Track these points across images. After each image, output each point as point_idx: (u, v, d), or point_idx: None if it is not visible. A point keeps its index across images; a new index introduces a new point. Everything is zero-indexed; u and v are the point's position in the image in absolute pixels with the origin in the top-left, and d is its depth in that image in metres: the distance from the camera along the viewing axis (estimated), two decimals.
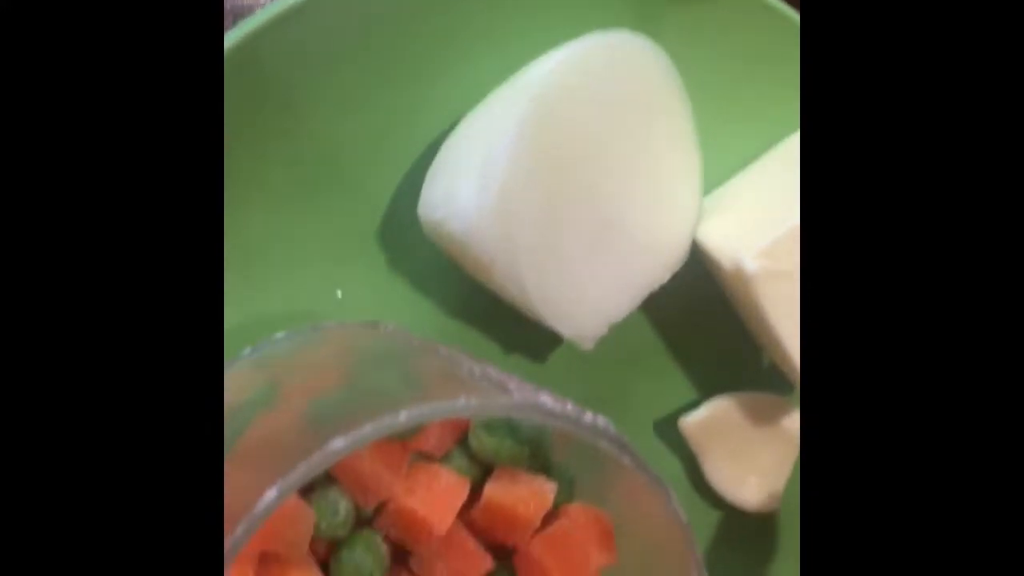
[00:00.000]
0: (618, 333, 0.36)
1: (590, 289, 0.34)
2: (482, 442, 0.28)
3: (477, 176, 0.32)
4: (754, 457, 0.39)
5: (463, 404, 0.23)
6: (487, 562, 0.28)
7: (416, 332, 0.33)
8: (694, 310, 0.39)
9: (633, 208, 0.35)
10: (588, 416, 0.25)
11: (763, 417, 0.39)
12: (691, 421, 0.38)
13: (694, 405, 0.39)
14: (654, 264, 0.36)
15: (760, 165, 0.38)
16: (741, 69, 0.38)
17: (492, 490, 0.28)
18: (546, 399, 0.24)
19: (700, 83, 0.37)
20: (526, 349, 0.37)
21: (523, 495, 0.28)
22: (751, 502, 0.39)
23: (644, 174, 0.35)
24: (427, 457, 0.29)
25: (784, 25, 0.37)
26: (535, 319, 0.34)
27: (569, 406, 0.25)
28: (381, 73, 0.34)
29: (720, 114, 0.38)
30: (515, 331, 0.37)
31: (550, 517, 0.29)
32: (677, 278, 0.37)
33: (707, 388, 0.40)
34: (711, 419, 0.38)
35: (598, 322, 0.35)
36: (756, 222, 0.35)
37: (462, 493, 0.28)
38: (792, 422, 0.39)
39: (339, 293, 0.34)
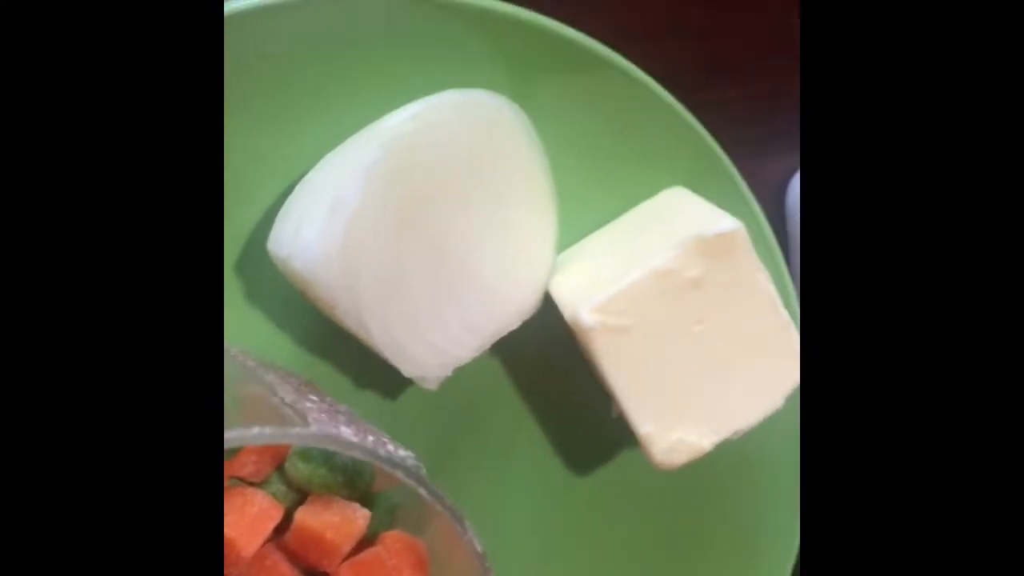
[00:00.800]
0: (471, 376, 0.38)
1: (434, 331, 0.36)
2: (297, 469, 0.29)
3: (324, 217, 0.33)
4: None
5: (256, 433, 0.24)
6: None
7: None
8: (548, 359, 0.41)
9: (483, 256, 0.36)
10: (387, 448, 0.26)
11: None
12: None
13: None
14: (503, 311, 0.37)
15: (614, 226, 0.40)
16: (606, 138, 0.40)
17: (302, 515, 0.29)
18: (345, 431, 0.26)
19: (567, 147, 0.39)
20: (377, 386, 0.39)
21: (333, 521, 0.29)
22: None
23: (496, 225, 0.36)
24: (246, 482, 0.30)
25: (650, 97, 0.39)
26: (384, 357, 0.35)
27: (371, 438, 0.26)
28: (248, 112, 0.35)
29: (583, 177, 0.40)
30: (367, 368, 0.38)
31: (367, 544, 0.30)
32: (531, 327, 0.38)
33: (557, 434, 0.41)
34: None
35: (441, 364, 0.36)
36: (600, 278, 0.37)
37: (275, 517, 0.29)
38: None
39: None
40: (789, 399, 0.38)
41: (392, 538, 0.30)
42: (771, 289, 0.36)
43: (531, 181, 0.37)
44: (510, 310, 0.37)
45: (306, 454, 0.29)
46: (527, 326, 0.38)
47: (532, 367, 0.41)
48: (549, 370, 0.41)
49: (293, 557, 0.29)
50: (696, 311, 0.36)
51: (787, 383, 0.37)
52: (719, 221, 0.36)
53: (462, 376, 0.37)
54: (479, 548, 0.27)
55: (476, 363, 0.38)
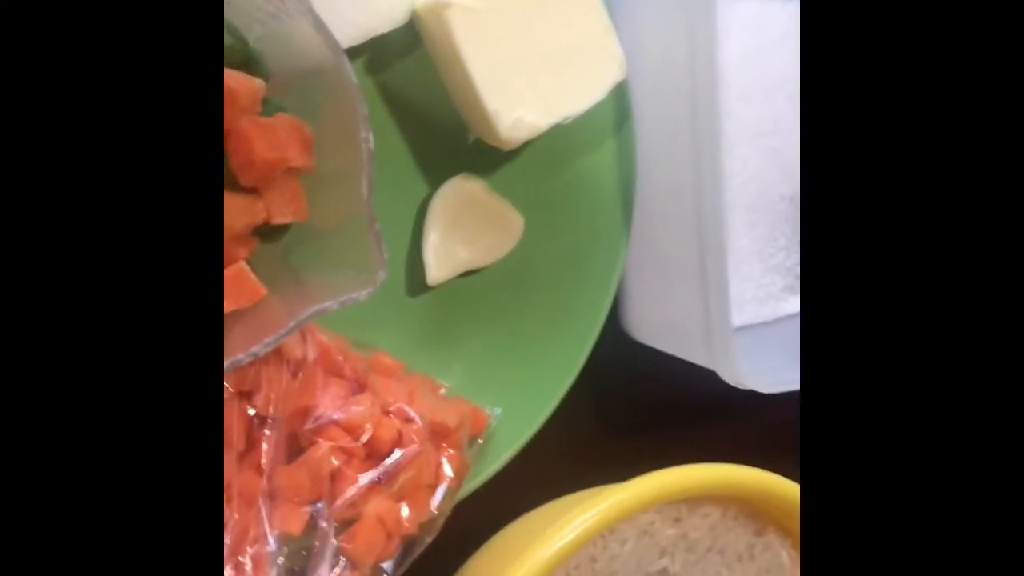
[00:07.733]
0: None
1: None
2: None
3: None
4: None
5: None
6: None
7: None
8: (411, 92, 0.47)
9: None
10: None
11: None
12: None
13: None
14: (375, 10, 0.44)
15: None
16: None
17: None
18: None
19: None
20: None
21: (236, 75, 0.34)
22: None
23: None
24: None
25: None
26: None
27: None
28: None
29: None
30: None
31: None
32: (395, 51, 0.46)
33: (417, 156, 0.48)
34: None
35: None
36: None
37: None
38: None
39: None
40: (610, 93, 0.46)
41: (285, 118, 0.37)
42: None
43: None
44: (382, 11, 0.44)
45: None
46: (392, 52, 0.46)
47: (397, 95, 0.47)
48: (412, 99, 0.47)
49: None
50: (536, 3, 0.44)
51: (608, 78, 0.46)
52: None
53: None
54: (356, 82, 0.34)
55: None
